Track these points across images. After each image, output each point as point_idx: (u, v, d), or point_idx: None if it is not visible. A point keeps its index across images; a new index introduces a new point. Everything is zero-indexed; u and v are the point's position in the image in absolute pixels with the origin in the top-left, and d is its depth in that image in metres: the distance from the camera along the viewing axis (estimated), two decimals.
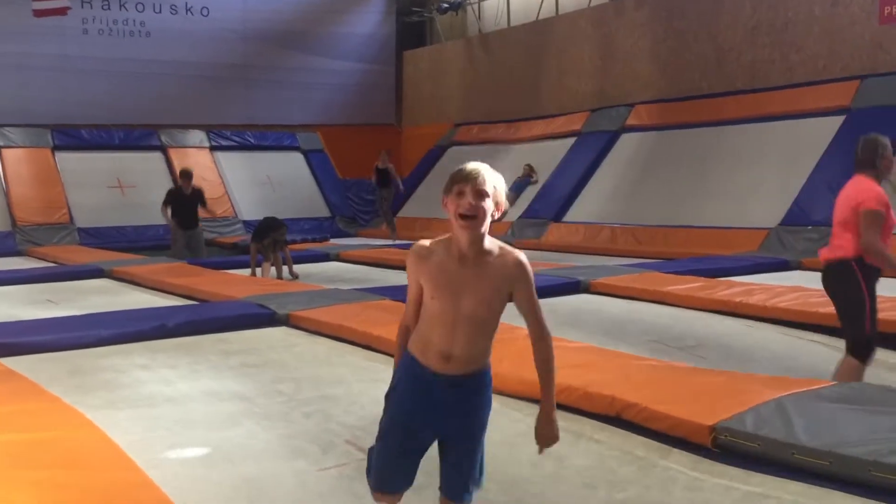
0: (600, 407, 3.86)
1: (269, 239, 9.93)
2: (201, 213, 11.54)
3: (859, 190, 4.40)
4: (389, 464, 2.61)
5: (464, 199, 2.44)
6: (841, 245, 4.40)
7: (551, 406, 2.67)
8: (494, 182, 2.48)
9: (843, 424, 3.26)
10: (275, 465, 3.48)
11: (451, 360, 2.54)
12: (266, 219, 10.44)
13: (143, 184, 15.53)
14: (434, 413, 2.55)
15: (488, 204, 2.45)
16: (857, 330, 4.30)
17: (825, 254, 4.55)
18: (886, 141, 4.53)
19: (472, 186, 2.44)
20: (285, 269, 10.06)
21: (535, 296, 2.59)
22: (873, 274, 4.37)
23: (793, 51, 12.15)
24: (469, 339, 2.55)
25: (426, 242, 2.58)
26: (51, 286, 9.22)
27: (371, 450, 2.69)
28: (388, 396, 2.66)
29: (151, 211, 15.21)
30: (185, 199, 11.29)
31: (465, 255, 2.51)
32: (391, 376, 2.68)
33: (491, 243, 2.52)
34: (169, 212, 11.29)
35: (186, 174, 11.55)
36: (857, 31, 11.40)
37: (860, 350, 4.29)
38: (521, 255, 2.56)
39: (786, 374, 4.50)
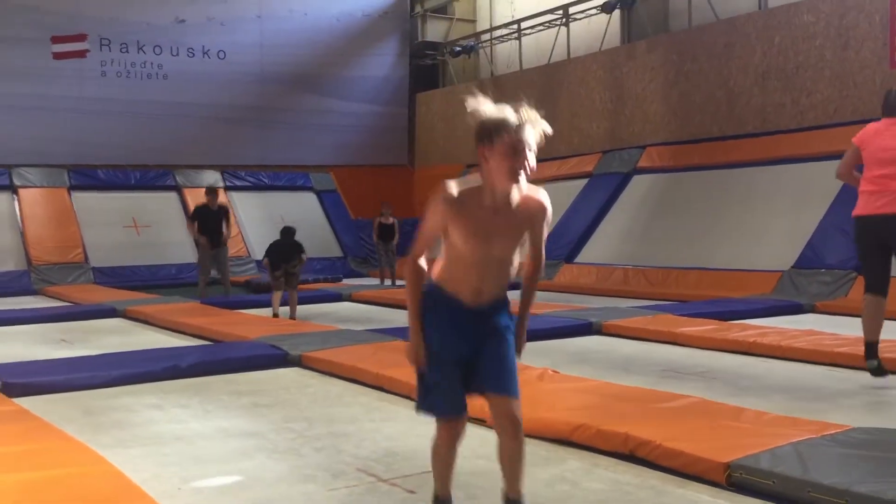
0: (614, 444, 3.85)
1: (282, 271, 9.74)
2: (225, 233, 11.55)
3: None
4: (451, 390, 2.79)
5: (520, 158, 2.55)
6: None
7: (527, 316, 2.94)
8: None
9: (859, 466, 3.25)
10: (286, 489, 3.55)
11: (482, 295, 2.77)
12: (281, 237, 9.92)
13: (157, 223, 15.67)
14: (469, 339, 2.77)
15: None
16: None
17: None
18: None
19: (528, 144, 2.55)
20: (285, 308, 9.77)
21: (546, 230, 2.88)
22: None
23: (804, 95, 12.23)
24: (499, 276, 2.78)
25: (453, 189, 2.67)
26: (65, 325, 9.28)
27: (424, 388, 2.85)
28: (426, 332, 2.81)
29: (166, 250, 15.38)
30: (211, 215, 11.36)
31: (498, 204, 2.65)
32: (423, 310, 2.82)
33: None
34: (196, 227, 11.36)
35: (212, 191, 11.62)
36: (867, 75, 11.47)
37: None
38: (545, 198, 2.78)
39: (800, 407, 4.48)
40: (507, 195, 2.65)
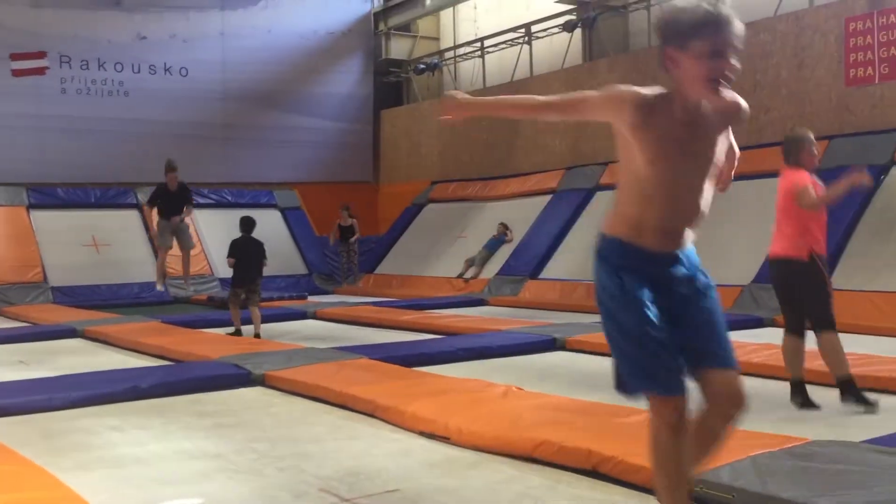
0: (577, 461, 3.88)
1: (244, 290, 9.60)
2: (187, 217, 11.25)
3: (791, 181, 5.04)
4: (668, 357, 2.29)
5: (723, 61, 2.08)
6: (795, 244, 5.02)
7: (479, 101, 2.53)
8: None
9: (817, 479, 3.30)
10: None
11: (675, 237, 2.30)
12: (243, 229, 9.61)
13: (118, 242, 15.47)
14: (667, 298, 2.28)
15: None
16: (824, 312, 5.00)
17: (783, 251, 5.11)
18: (803, 138, 5.17)
19: (734, 44, 2.05)
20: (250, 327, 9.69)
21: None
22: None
23: (761, 112, 12.45)
24: (694, 210, 2.30)
25: (645, 92, 2.19)
26: (23, 346, 9.11)
27: (629, 363, 2.39)
28: (605, 301, 2.35)
29: (127, 269, 15.18)
30: (171, 197, 11.00)
31: (692, 116, 2.18)
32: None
33: None
34: (155, 213, 10.99)
35: (171, 166, 11.22)
36: (823, 92, 11.71)
37: (830, 322, 4.97)
38: (738, 97, 2.28)
39: (760, 420, 4.54)
40: (700, 106, 2.22)
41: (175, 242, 11.91)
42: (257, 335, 9.34)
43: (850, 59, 11.36)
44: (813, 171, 5.15)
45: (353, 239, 16.09)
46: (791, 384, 5.22)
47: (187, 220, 11.44)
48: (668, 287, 2.32)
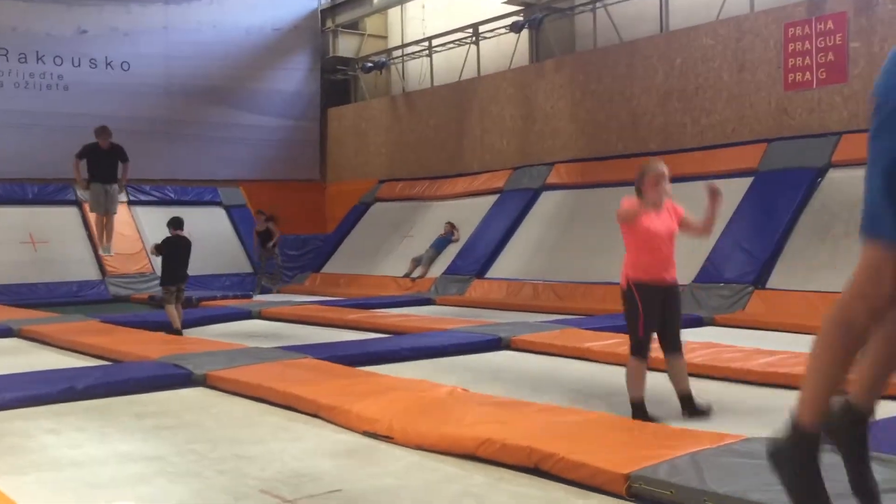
0: (518, 458, 3.90)
1: (176, 288, 9.73)
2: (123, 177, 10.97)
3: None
4: None
5: None
6: (623, 272, 5.28)
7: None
8: None
9: (753, 475, 3.37)
10: None
11: None
12: (173, 230, 9.85)
13: (56, 239, 15.11)
14: None
15: None
16: (632, 334, 5.22)
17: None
18: (647, 170, 5.34)
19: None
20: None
21: None
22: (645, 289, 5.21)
23: (703, 115, 12.67)
24: None
25: None
26: None
27: None
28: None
29: (65, 267, 14.84)
30: (102, 155, 10.73)
31: None
32: None
33: None
34: (83, 166, 10.69)
35: (103, 129, 10.96)
36: (763, 96, 11.96)
37: (633, 348, 5.20)
38: None
39: (699, 419, 4.62)
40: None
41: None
42: (178, 330, 9.51)
43: (788, 63, 11.61)
44: (659, 204, 5.31)
45: (270, 244, 16.01)
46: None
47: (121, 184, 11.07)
48: None
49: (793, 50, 11.56)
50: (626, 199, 5.32)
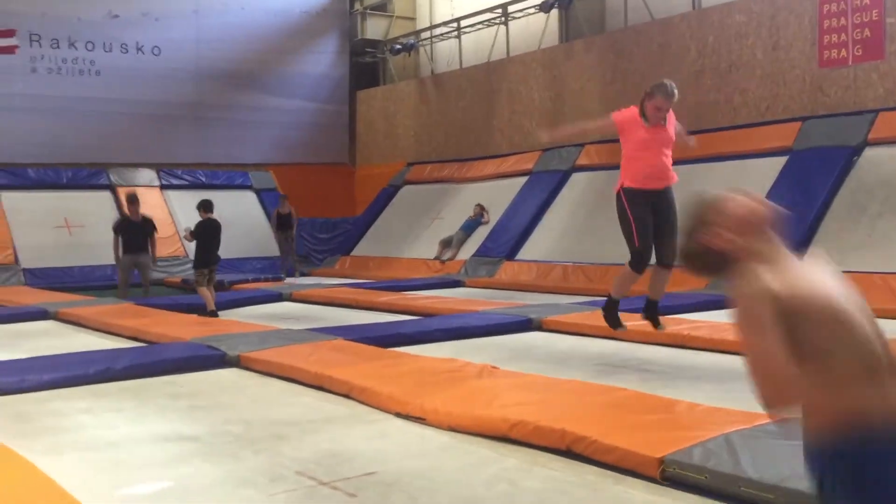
0: (551, 440, 3.88)
1: (209, 270, 9.83)
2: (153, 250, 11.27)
3: None
4: None
5: None
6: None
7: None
8: None
9: (789, 459, 3.32)
10: (223, 495, 3.49)
11: None
12: (206, 214, 9.98)
13: (90, 224, 15.29)
14: None
15: None
16: (629, 244, 5.47)
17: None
18: (657, 92, 5.67)
19: None
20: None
21: None
22: (637, 198, 5.45)
23: (737, 93, 12.49)
24: None
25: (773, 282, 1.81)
26: None
27: None
28: None
29: (99, 251, 14.98)
30: (134, 228, 11.01)
31: None
32: None
33: None
34: (121, 244, 10.97)
35: (132, 199, 11.19)
36: (797, 74, 11.77)
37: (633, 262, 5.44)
38: None
39: (732, 398, 4.58)
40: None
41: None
42: (214, 312, 9.56)
43: (823, 40, 11.41)
44: (654, 123, 5.64)
45: (293, 231, 15.82)
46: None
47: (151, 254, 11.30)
48: None
49: (828, 26, 11.35)
50: (627, 109, 5.73)
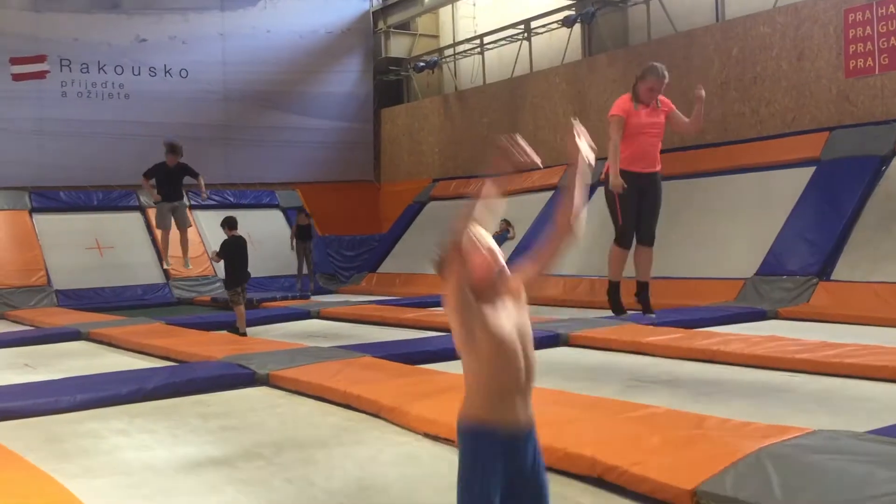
0: (582, 468, 3.83)
1: (241, 288, 9.88)
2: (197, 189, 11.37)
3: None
4: None
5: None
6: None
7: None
8: None
9: (820, 478, 3.28)
10: None
11: None
12: (231, 232, 10.03)
13: (121, 245, 15.51)
14: None
15: None
16: (614, 222, 5.57)
17: None
18: (648, 73, 5.72)
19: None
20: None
21: None
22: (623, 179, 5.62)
23: (762, 104, 12.43)
24: None
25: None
26: (28, 350, 9.14)
27: None
28: None
29: (130, 271, 15.23)
30: (169, 173, 11.13)
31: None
32: None
33: None
34: (153, 184, 11.09)
35: (172, 147, 11.34)
36: (823, 84, 11.69)
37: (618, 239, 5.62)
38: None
39: (763, 413, 4.53)
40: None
41: (173, 221, 12.01)
42: (244, 333, 9.60)
43: (849, 50, 11.33)
44: (648, 103, 5.75)
45: (311, 242, 16.01)
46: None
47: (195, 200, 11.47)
48: None
49: (853, 36, 11.28)
50: (619, 99, 5.77)
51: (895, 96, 10.96)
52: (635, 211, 5.40)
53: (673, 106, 5.74)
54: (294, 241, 16.02)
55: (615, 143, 5.54)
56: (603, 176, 5.53)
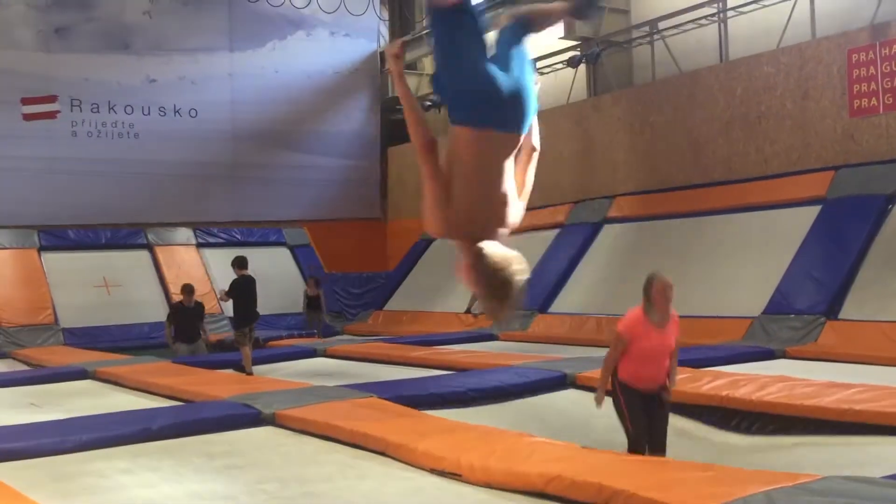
0: (588, 496, 3.84)
1: (249, 328, 9.91)
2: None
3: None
4: None
5: None
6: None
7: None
8: None
9: None
10: None
11: None
12: (241, 271, 10.12)
13: (128, 282, 15.55)
14: None
15: None
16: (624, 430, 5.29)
17: None
18: (655, 277, 5.49)
19: None
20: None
21: None
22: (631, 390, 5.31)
23: (767, 143, 12.49)
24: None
25: None
26: (34, 389, 9.12)
27: None
28: None
29: (137, 309, 15.24)
30: (188, 313, 11.46)
31: None
32: None
33: None
34: (172, 330, 11.46)
35: (189, 289, 11.71)
36: (828, 123, 11.75)
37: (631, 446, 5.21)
38: None
39: (771, 460, 4.51)
40: None
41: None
42: (250, 373, 9.60)
43: (853, 89, 11.40)
44: (665, 318, 5.50)
45: (322, 314, 15.25)
46: None
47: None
48: None
49: (857, 76, 11.36)
50: (631, 313, 5.49)
51: None
52: (646, 416, 5.29)
53: (678, 321, 5.63)
54: (305, 310, 15.50)
55: (613, 359, 5.37)
56: (612, 384, 5.44)
